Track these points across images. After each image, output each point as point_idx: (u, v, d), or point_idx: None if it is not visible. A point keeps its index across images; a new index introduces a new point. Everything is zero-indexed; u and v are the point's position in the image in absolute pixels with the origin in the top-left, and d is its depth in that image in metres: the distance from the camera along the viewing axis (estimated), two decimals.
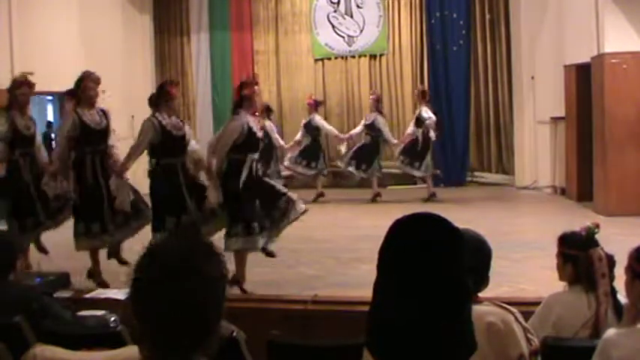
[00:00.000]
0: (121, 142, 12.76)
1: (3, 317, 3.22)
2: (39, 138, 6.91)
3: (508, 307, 2.51)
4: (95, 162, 6.14)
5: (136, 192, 6.36)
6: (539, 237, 7.41)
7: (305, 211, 5.95)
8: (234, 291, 5.53)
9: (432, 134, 11.10)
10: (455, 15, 13.65)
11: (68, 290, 5.13)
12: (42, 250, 6.79)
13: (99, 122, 6.29)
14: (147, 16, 14.55)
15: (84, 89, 6.31)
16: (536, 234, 7.93)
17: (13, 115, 6.51)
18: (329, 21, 14.18)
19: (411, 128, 11.41)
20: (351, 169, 11.48)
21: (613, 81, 9.47)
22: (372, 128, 11.42)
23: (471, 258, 1.36)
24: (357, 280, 5.61)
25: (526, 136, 12.80)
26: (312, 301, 4.84)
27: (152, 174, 6.01)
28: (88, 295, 4.97)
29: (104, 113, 6.44)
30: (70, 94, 6.51)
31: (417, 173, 11.41)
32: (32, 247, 6.70)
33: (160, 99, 6.13)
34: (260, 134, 6.12)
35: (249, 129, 5.83)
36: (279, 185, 6.41)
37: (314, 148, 11.54)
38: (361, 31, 14.10)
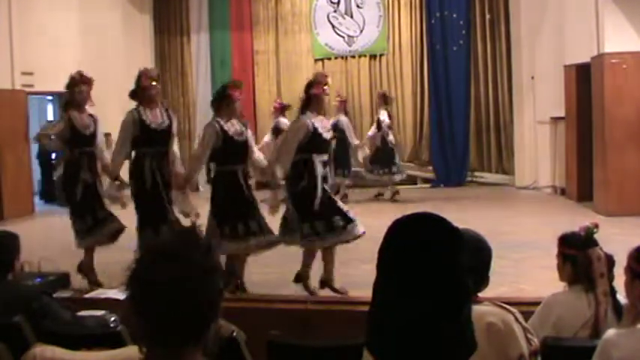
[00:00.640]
0: None
1: (3, 317, 3.22)
2: (100, 137, 6.69)
3: (508, 307, 2.51)
4: (154, 165, 5.85)
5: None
6: (539, 237, 7.40)
7: (360, 235, 5.61)
8: (326, 292, 5.60)
9: (391, 137, 11.34)
10: (455, 15, 13.66)
11: (68, 290, 5.14)
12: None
13: (160, 122, 5.97)
14: (147, 16, 14.56)
15: (143, 88, 5.96)
16: (536, 234, 7.93)
17: (70, 114, 6.29)
18: (329, 21, 14.19)
19: (372, 131, 11.49)
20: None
21: (613, 81, 9.47)
22: (335, 129, 11.52)
23: (471, 258, 1.36)
24: (357, 280, 5.61)
25: (526, 136, 12.81)
26: (312, 301, 4.84)
27: (213, 181, 5.75)
28: (88, 295, 4.98)
29: (167, 112, 6.10)
30: (131, 95, 6.11)
31: (398, 177, 11.52)
32: (33, 246, 6.67)
33: (221, 102, 5.76)
34: (328, 135, 5.83)
35: (315, 129, 5.61)
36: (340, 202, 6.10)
37: None
38: (361, 31, 14.11)
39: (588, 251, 3.10)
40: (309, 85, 5.80)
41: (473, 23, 13.65)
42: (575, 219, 6.59)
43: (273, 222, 5.82)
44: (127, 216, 6.16)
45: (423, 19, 13.86)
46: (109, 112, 13.26)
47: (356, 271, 6.10)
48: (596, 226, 3.19)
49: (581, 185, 10.72)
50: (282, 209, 5.85)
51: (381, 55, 14.16)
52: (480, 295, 2.52)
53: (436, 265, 1.29)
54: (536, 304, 3.34)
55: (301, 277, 5.69)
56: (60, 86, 13.15)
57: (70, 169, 6.27)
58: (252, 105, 14.12)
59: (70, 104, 6.38)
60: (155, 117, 5.94)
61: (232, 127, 5.67)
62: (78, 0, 12.62)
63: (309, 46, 14.28)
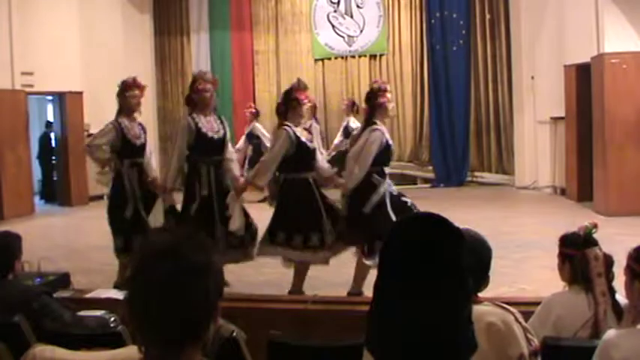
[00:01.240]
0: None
1: (3, 317, 3.22)
2: (149, 147, 6.21)
3: (508, 307, 2.51)
4: (211, 175, 5.56)
5: (247, 215, 5.74)
6: (539, 237, 7.41)
7: None
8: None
9: None
10: (455, 15, 13.66)
11: (68, 290, 5.13)
12: None
13: (216, 130, 5.67)
14: (147, 16, 14.56)
15: (198, 91, 5.62)
16: (536, 234, 7.93)
17: (121, 122, 5.90)
18: (329, 21, 14.19)
19: (338, 139, 11.47)
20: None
21: (613, 81, 9.48)
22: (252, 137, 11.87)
23: (471, 258, 1.36)
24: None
25: (526, 136, 12.81)
26: (312, 301, 4.84)
27: (281, 189, 5.52)
28: (88, 295, 4.97)
29: (221, 121, 5.77)
30: (187, 101, 5.76)
31: None
32: (33, 246, 6.68)
33: (288, 105, 5.52)
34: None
35: (387, 141, 5.49)
36: None
37: (258, 157, 11.77)
38: (361, 31, 14.11)
39: (586, 251, 3.10)
40: (373, 96, 5.53)
41: (473, 23, 13.65)
42: (575, 219, 6.59)
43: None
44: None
45: (423, 19, 13.86)
46: (108, 112, 13.29)
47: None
48: (595, 226, 3.19)
49: (581, 185, 10.72)
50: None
51: (381, 55, 14.17)
52: (480, 295, 2.52)
53: (437, 266, 1.29)
54: (536, 304, 3.34)
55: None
56: (60, 86, 13.24)
57: (121, 183, 5.90)
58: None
59: (121, 111, 6.01)
60: (210, 125, 5.63)
61: (302, 133, 5.51)
62: (78, 0, 12.62)
63: (309, 46, 14.28)
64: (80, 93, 12.64)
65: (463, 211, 9.67)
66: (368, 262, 5.19)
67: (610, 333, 2.43)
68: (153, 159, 6.11)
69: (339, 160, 11.16)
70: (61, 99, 12.73)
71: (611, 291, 3.09)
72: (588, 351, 2.43)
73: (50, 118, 14.50)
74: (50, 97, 13.84)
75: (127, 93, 5.99)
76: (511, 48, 13.20)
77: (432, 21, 13.80)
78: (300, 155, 5.42)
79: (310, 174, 5.49)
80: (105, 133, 5.92)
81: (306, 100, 5.60)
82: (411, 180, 13.33)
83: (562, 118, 11.47)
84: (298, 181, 5.45)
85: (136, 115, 6.09)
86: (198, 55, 14.64)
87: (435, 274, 1.29)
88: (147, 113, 13.66)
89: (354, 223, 5.42)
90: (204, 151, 5.56)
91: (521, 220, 9.54)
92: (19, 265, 3.80)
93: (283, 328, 3.31)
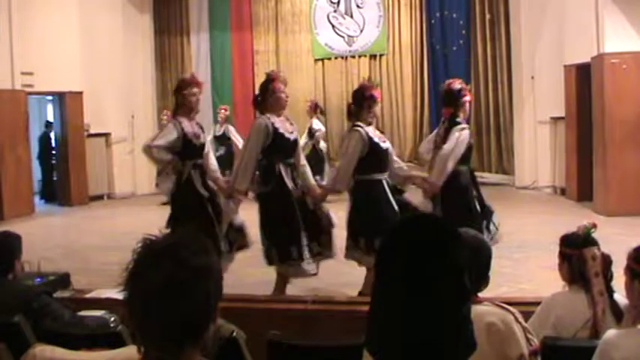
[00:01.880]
0: (121, 143, 12.86)
1: (3, 317, 3.22)
2: (208, 147, 5.93)
3: (508, 307, 2.51)
4: (289, 175, 5.38)
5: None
6: (540, 237, 7.41)
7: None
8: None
9: (323, 145, 11.60)
10: (455, 15, 13.67)
11: (68, 290, 5.13)
12: None
13: (291, 131, 5.50)
14: (147, 16, 14.57)
15: (274, 91, 5.43)
16: (536, 234, 7.93)
17: (181, 121, 5.56)
18: (329, 21, 14.19)
19: (303, 140, 11.44)
20: None
21: (613, 81, 9.48)
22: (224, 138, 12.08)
23: (471, 258, 1.37)
24: (357, 280, 5.60)
25: (526, 136, 12.81)
26: (312, 301, 4.84)
27: (354, 190, 5.37)
28: (88, 295, 4.97)
29: (290, 121, 5.61)
30: (258, 101, 5.53)
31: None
32: (33, 246, 6.67)
33: (363, 105, 5.41)
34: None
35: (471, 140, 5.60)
36: None
37: (230, 158, 12.03)
38: (361, 31, 14.11)
39: (584, 250, 3.10)
40: (460, 94, 5.58)
41: (473, 23, 13.65)
42: (575, 219, 6.57)
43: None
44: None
45: (423, 19, 13.87)
46: (108, 112, 13.31)
47: (356, 271, 6.10)
48: (594, 225, 3.19)
49: (581, 185, 10.72)
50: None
51: (381, 55, 14.17)
52: (480, 295, 2.52)
53: (436, 266, 1.30)
54: (536, 304, 3.34)
55: None
56: (60, 86, 13.21)
57: (182, 186, 5.56)
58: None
59: (179, 110, 5.68)
60: (284, 126, 5.45)
61: (375, 133, 5.38)
62: (78, 0, 12.62)
63: (309, 46, 14.29)
64: (80, 93, 12.64)
65: None
66: None
67: (610, 333, 2.43)
68: (212, 157, 5.86)
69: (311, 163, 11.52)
70: (61, 99, 12.73)
71: (610, 291, 3.09)
72: (588, 351, 2.43)
73: (50, 118, 14.50)
74: (50, 97, 13.84)
75: (186, 91, 5.64)
76: (511, 48, 13.19)
77: (432, 21, 13.81)
78: (374, 156, 5.29)
79: (383, 175, 5.35)
80: (166, 134, 5.58)
81: (379, 98, 5.53)
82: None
83: (562, 118, 11.47)
84: (371, 183, 5.31)
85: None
86: (198, 55, 14.65)
87: (433, 274, 1.29)
88: (147, 113, 13.74)
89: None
90: (282, 153, 5.39)
91: (521, 220, 9.53)
92: (19, 265, 3.80)
93: (283, 328, 3.31)
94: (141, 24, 14.41)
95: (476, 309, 1.81)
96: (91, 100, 12.68)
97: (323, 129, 11.66)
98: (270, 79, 5.49)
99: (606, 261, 3.11)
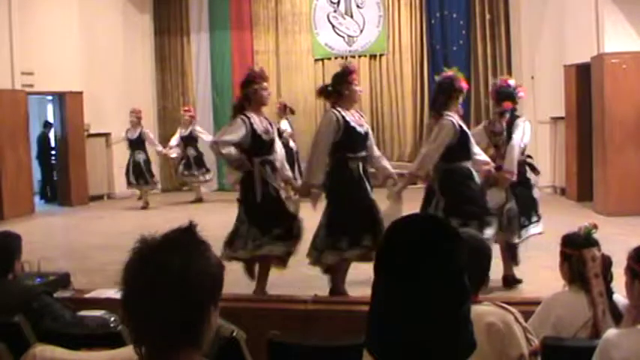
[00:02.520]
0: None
1: (3, 317, 3.22)
2: (279, 144, 5.75)
3: (508, 307, 2.52)
4: (361, 171, 5.29)
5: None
6: (540, 237, 7.39)
7: None
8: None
9: (292, 144, 11.90)
10: (455, 15, 13.66)
11: (68, 290, 5.13)
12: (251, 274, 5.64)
13: (361, 124, 5.38)
14: (147, 16, 14.57)
15: (350, 83, 5.34)
16: None
17: (250, 117, 5.38)
18: (329, 21, 14.18)
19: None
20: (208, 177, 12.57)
21: (613, 81, 9.48)
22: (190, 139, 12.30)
23: (471, 258, 1.37)
24: (357, 280, 5.60)
25: None
26: (312, 301, 4.84)
27: (442, 177, 5.43)
28: (88, 295, 4.97)
29: (360, 114, 5.52)
30: (330, 92, 5.41)
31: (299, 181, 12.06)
32: (33, 246, 6.66)
33: (452, 94, 5.58)
34: None
35: None
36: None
37: (196, 157, 12.41)
38: (361, 31, 14.10)
39: (583, 251, 3.10)
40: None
41: (473, 23, 13.64)
42: (575, 219, 6.59)
43: None
44: None
45: (423, 19, 13.86)
46: (108, 112, 13.30)
47: (356, 271, 6.10)
48: (595, 226, 3.19)
49: (581, 185, 10.72)
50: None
51: (381, 55, 14.16)
52: (480, 295, 2.52)
53: (435, 266, 1.30)
54: (536, 304, 3.34)
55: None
56: (60, 86, 13.19)
57: (251, 183, 5.40)
58: None
59: (248, 105, 5.46)
60: (355, 118, 5.33)
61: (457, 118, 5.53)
62: (78, 0, 12.62)
63: (309, 46, 14.28)
64: (80, 93, 12.64)
65: None
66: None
67: (610, 333, 2.43)
68: (280, 154, 5.68)
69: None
70: (61, 99, 12.73)
71: (609, 292, 3.09)
72: (588, 351, 2.43)
73: (50, 119, 14.51)
74: (50, 97, 13.84)
75: (258, 85, 5.44)
76: (511, 48, 13.19)
77: (432, 21, 13.80)
78: (463, 143, 5.45)
79: (469, 162, 5.50)
80: (235, 129, 5.36)
81: (466, 87, 5.74)
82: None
83: (562, 118, 11.47)
84: (462, 169, 5.44)
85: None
86: (199, 55, 14.64)
87: (433, 274, 1.29)
88: (147, 113, 13.73)
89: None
90: (352, 148, 5.28)
91: None
92: (19, 265, 3.80)
93: (283, 328, 3.31)
94: (141, 24, 14.41)
95: (476, 309, 1.81)
96: (91, 100, 12.68)
97: (290, 130, 11.99)
98: (349, 71, 5.38)
99: (606, 262, 3.11)
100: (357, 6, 14.09)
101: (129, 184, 12.03)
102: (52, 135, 14.14)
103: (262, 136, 5.39)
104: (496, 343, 2.33)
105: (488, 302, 2.49)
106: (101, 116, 13.05)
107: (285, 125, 11.85)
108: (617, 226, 7.57)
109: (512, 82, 6.12)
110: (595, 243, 3.15)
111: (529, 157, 6.38)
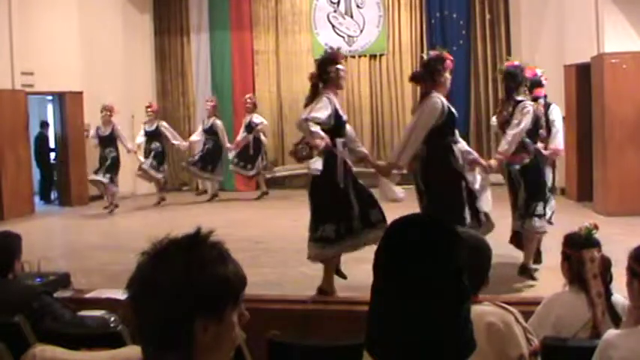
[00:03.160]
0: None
1: (3, 317, 3.22)
2: (349, 126, 5.58)
3: (508, 307, 2.52)
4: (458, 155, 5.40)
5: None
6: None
7: None
8: None
9: (264, 138, 12.34)
10: (455, 15, 13.66)
11: (68, 290, 5.14)
12: (339, 273, 5.50)
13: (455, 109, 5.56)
14: (147, 16, 14.56)
15: (445, 69, 5.37)
16: None
17: (330, 97, 5.22)
18: (329, 21, 14.18)
19: (241, 134, 12.30)
20: (193, 169, 12.52)
21: (613, 81, 9.47)
22: (210, 132, 12.41)
23: (471, 258, 1.37)
24: (357, 280, 5.60)
25: None
26: (312, 301, 4.84)
27: (532, 162, 6.03)
28: (88, 295, 4.98)
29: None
30: (418, 77, 5.40)
31: (249, 173, 12.47)
32: (33, 246, 6.66)
33: (522, 82, 5.97)
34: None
35: None
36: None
37: (215, 152, 12.46)
38: (361, 31, 14.10)
39: (582, 252, 3.10)
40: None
41: (473, 23, 13.64)
42: (575, 219, 6.58)
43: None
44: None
45: (423, 19, 13.85)
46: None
47: (356, 271, 6.10)
48: (595, 226, 3.19)
49: (581, 185, 10.72)
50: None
51: (381, 55, 14.15)
52: (480, 295, 2.52)
53: (434, 266, 1.30)
54: (536, 304, 3.34)
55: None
56: (60, 86, 13.18)
57: (332, 165, 5.18)
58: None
59: (328, 85, 5.28)
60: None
61: None
62: (78, 0, 12.61)
63: (309, 46, 14.27)
64: (80, 93, 12.63)
65: None
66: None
67: (610, 333, 2.43)
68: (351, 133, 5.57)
69: (245, 154, 12.16)
70: (61, 99, 12.72)
71: (608, 293, 3.08)
72: (588, 351, 2.44)
73: (50, 119, 14.49)
74: (50, 97, 13.83)
75: (336, 66, 5.30)
76: (511, 48, 13.18)
77: (432, 21, 13.79)
78: (535, 127, 5.98)
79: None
80: (322, 107, 5.17)
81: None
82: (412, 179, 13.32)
83: (562, 118, 11.46)
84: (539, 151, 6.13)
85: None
86: (199, 55, 14.63)
87: (432, 274, 1.29)
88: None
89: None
90: (453, 132, 5.47)
91: None
92: (19, 265, 3.80)
93: (283, 328, 3.31)
94: (141, 24, 14.40)
95: (476, 309, 1.81)
96: (91, 100, 12.67)
97: (265, 122, 12.36)
98: (444, 58, 5.46)
99: (605, 263, 3.11)
100: (357, 6, 14.09)
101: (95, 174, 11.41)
102: (50, 135, 14.13)
103: (343, 117, 5.32)
104: (496, 343, 2.33)
105: (488, 302, 2.49)
106: (98, 116, 13.02)
107: (258, 118, 12.22)
108: (617, 226, 7.56)
109: (539, 70, 6.79)
110: (595, 244, 3.15)
111: None
